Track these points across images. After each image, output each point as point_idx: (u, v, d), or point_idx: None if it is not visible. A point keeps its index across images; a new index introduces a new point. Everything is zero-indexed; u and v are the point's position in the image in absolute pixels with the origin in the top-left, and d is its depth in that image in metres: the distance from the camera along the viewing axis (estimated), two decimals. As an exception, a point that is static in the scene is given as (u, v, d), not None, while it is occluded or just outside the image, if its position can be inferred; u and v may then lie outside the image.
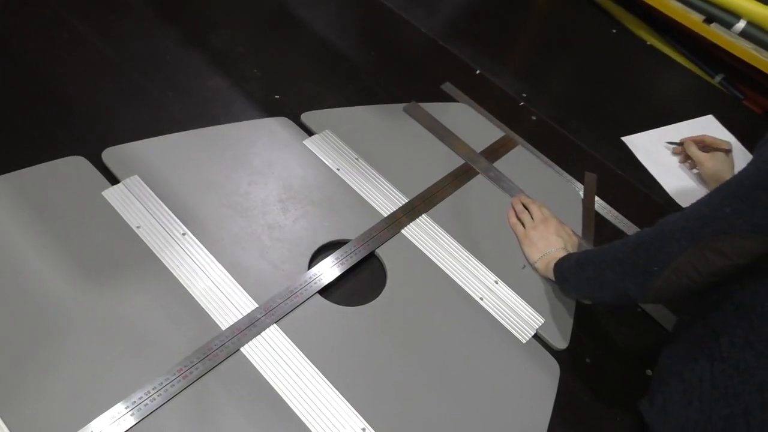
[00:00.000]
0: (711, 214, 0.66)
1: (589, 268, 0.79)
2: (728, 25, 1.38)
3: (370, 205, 0.93)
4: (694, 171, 1.15)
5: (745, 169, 0.66)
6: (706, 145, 1.14)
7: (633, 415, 0.81)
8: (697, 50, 1.51)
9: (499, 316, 0.85)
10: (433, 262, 0.89)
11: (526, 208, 0.98)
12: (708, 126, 1.26)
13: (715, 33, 1.41)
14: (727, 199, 0.65)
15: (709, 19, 1.41)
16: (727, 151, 1.13)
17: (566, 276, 0.83)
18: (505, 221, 0.97)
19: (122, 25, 1.09)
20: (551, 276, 0.87)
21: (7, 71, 0.97)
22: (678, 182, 1.14)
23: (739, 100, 1.47)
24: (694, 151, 1.13)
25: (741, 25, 1.35)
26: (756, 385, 0.66)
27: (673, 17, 1.44)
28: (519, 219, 0.97)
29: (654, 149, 1.19)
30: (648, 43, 1.50)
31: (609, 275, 0.75)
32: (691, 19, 1.43)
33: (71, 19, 1.07)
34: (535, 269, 0.91)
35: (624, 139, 1.18)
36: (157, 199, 0.85)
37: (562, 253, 0.88)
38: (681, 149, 1.17)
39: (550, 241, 0.91)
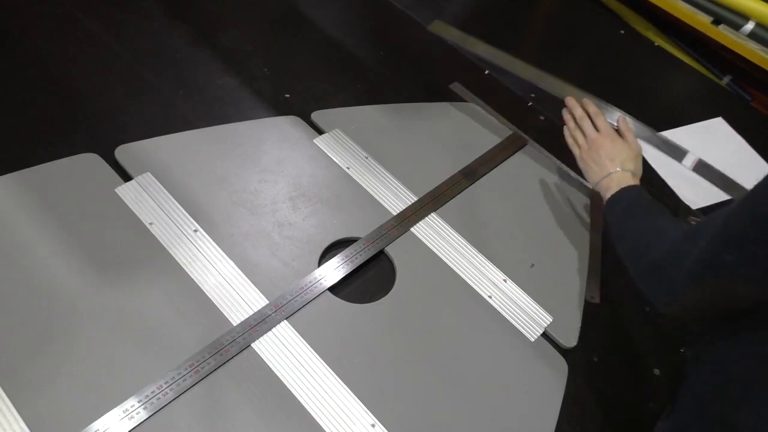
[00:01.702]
0: (711, 260, 0.58)
1: (628, 229, 0.75)
2: (736, 27, 1.38)
3: (380, 203, 0.93)
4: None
5: (741, 211, 0.57)
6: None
7: (641, 415, 0.81)
8: (704, 52, 1.51)
9: (508, 315, 0.86)
10: (442, 260, 0.89)
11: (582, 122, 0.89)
12: (718, 129, 1.26)
13: (723, 34, 1.41)
14: (729, 246, 0.56)
15: (717, 21, 1.41)
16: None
17: (609, 219, 0.80)
18: (514, 220, 0.98)
19: (133, 23, 1.10)
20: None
21: (20, 69, 0.98)
22: (689, 186, 1.14)
23: (746, 101, 1.47)
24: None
25: (749, 26, 1.35)
26: None
27: (681, 18, 1.45)
28: (574, 138, 0.90)
29: (661, 153, 1.19)
30: (656, 44, 1.50)
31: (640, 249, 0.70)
32: (699, 21, 1.43)
33: (83, 18, 1.08)
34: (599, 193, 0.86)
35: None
36: (169, 195, 0.86)
37: (618, 177, 0.82)
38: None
39: (604, 165, 0.84)
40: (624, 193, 0.81)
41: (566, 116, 0.93)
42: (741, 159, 1.18)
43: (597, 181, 0.85)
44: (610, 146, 0.86)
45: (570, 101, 0.92)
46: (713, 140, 1.22)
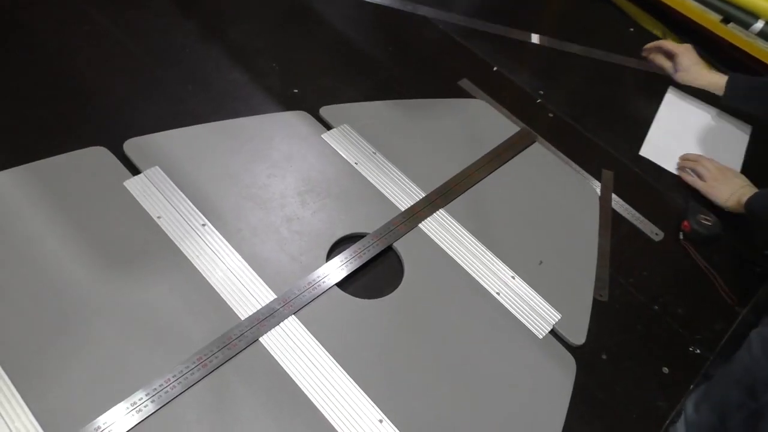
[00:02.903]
0: None
1: None
2: (746, 26, 1.37)
3: (388, 199, 0.93)
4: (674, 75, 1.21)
5: None
6: (665, 50, 1.22)
7: (650, 413, 0.81)
8: (714, 50, 1.50)
9: (516, 311, 0.85)
10: (450, 256, 0.89)
11: (696, 164, 1.12)
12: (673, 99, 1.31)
13: (732, 33, 1.40)
14: None
15: (727, 19, 1.41)
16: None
17: (754, 211, 0.99)
18: (522, 216, 0.97)
19: (142, 18, 1.10)
20: (743, 210, 1.02)
21: (29, 64, 0.98)
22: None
23: (756, 100, 1.46)
24: (661, 60, 1.22)
25: (759, 25, 1.34)
26: None
27: (691, 17, 1.44)
28: (694, 175, 1.11)
29: (665, 146, 1.19)
30: (665, 42, 1.49)
31: None
32: (709, 19, 1.42)
33: (93, 13, 1.08)
34: (727, 208, 1.05)
35: (642, 153, 1.17)
36: (178, 189, 0.86)
37: (747, 189, 1.04)
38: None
39: (735, 183, 1.07)
40: (760, 191, 1.02)
41: (681, 162, 1.15)
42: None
43: (728, 197, 1.06)
44: (728, 173, 1.10)
45: (683, 158, 1.16)
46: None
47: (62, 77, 0.98)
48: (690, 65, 1.18)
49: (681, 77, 1.19)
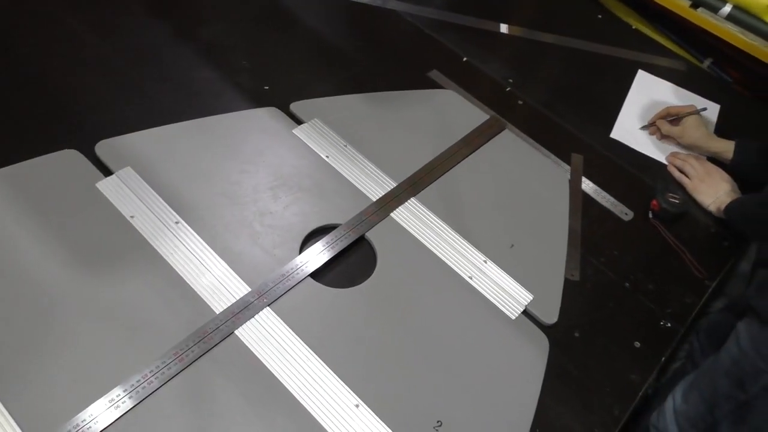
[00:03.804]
0: None
1: (756, 217, 0.97)
2: (714, 9, 1.39)
3: (360, 190, 0.94)
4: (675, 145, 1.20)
5: None
6: (672, 115, 1.19)
7: (623, 386, 0.83)
8: (685, 35, 1.52)
9: (489, 294, 0.87)
10: (423, 243, 0.90)
11: (685, 163, 1.13)
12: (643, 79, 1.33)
13: (702, 18, 1.42)
14: None
15: (696, 4, 1.42)
16: (696, 112, 1.18)
17: (731, 218, 1.02)
18: (494, 202, 0.99)
19: (113, 19, 1.11)
20: (723, 215, 1.04)
21: (-1, 68, 0.99)
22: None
23: (727, 83, 1.48)
24: (667, 128, 1.18)
25: (727, 9, 1.36)
26: None
27: (660, 2, 1.45)
28: (683, 173, 1.12)
29: (634, 129, 1.21)
30: (633, 27, 1.51)
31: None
32: (678, 5, 1.44)
33: (62, 15, 1.09)
34: (710, 211, 1.07)
35: (613, 135, 1.19)
36: (150, 189, 0.87)
37: (732, 196, 1.05)
38: (656, 129, 1.20)
39: (720, 187, 1.07)
40: (739, 199, 1.04)
41: (671, 159, 1.16)
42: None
43: (710, 202, 1.07)
44: (715, 176, 1.10)
45: (672, 155, 1.17)
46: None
47: (33, 80, 0.98)
48: (697, 136, 1.16)
49: (688, 145, 1.18)
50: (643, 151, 1.17)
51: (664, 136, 1.20)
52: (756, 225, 0.97)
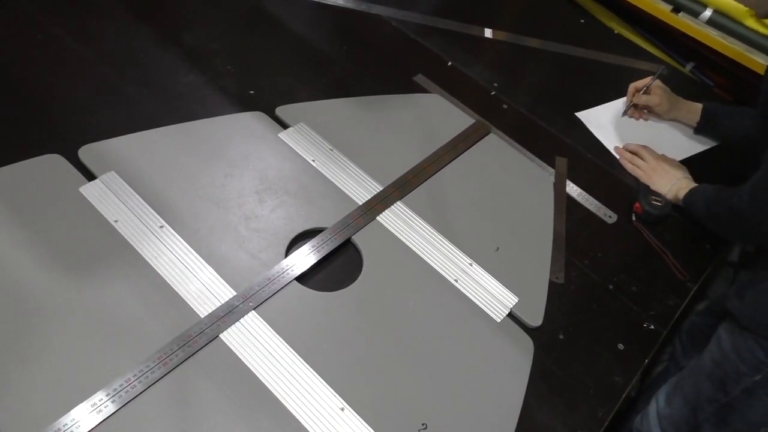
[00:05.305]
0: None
1: (712, 208, 0.97)
2: (695, 14, 1.41)
3: (346, 194, 0.95)
4: (652, 120, 1.25)
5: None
6: (640, 89, 1.23)
7: (607, 388, 0.83)
8: (667, 40, 1.54)
9: (474, 297, 0.87)
10: (409, 247, 0.91)
11: (635, 154, 1.15)
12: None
13: (684, 22, 1.44)
14: None
15: (677, 9, 1.44)
16: (658, 76, 1.23)
17: (691, 208, 1.02)
18: (479, 205, 1.00)
19: (96, 24, 1.11)
20: (681, 203, 1.05)
21: (-19, 74, 0.98)
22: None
23: (709, 87, 1.51)
24: (645, 99, 1.22)
25: (707, 13, 1.38)
26: None
27: (642, 7, 1.47)
28: (634, 165, 1.13)
29: (607, 123, 1.23)
30: (616, 32, 1.53)
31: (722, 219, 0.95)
32: (660, 9, 1.46)
33: (45, 20, 1.08)
34: (668, 200, 1.06)
35: (578, 114, 1.22)
36: (134, 193, 0.86)
37: (684, 182, 1.06)
38: (634, 110, 1.24)
39: (673, 174, 1.09)
40: (697, 188, 1.04)
41: (621, 152, 1.18)
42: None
43: (668, 188, 1.08)
44: (666, 164, 1.11)
45: (624, 147, 1.19)
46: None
47: (15, 85, 0.97)
48: (669, 97, 1.22)
49: (666, 111, 1.23)
50: (603, 142, 1.19)
51: (643, 114, 1.24)
52: (717, 209, 0.96)
